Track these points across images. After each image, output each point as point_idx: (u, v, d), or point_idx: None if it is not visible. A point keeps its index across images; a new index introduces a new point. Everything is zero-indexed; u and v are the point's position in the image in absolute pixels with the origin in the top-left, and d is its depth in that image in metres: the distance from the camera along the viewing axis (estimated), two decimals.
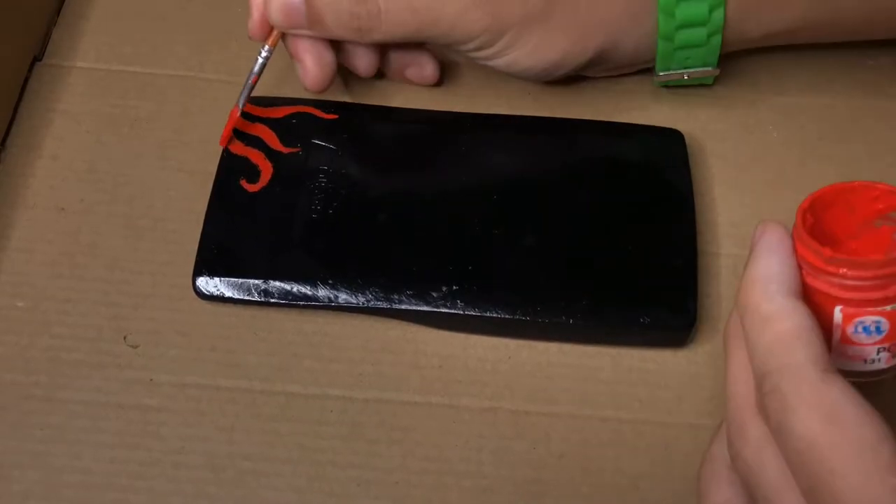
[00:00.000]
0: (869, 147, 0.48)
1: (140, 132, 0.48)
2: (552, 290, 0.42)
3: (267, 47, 0.44)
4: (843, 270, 0.31)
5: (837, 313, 0.32)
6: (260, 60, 0.44)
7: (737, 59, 0.50)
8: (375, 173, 0.45)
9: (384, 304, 0.41)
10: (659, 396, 0.42)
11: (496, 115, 0.47)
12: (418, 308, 0.41)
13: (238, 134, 0.46)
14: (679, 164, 0.45)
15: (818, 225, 0.33)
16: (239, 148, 0.45)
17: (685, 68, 0.46)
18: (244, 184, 0.44)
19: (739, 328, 0.33)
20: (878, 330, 0.32)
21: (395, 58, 0.47)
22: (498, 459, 0.40)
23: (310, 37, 0.44)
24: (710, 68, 0.46)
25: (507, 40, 0.43)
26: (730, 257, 0.45)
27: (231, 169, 0.45)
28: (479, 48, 0.44)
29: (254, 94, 0.47)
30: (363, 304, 0.42)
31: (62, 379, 0.41)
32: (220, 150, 0.45)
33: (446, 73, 0.49)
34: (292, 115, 0.46)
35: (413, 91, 0.49)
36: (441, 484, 0.40)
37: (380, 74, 0.48)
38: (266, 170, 0.45)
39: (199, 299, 0.42)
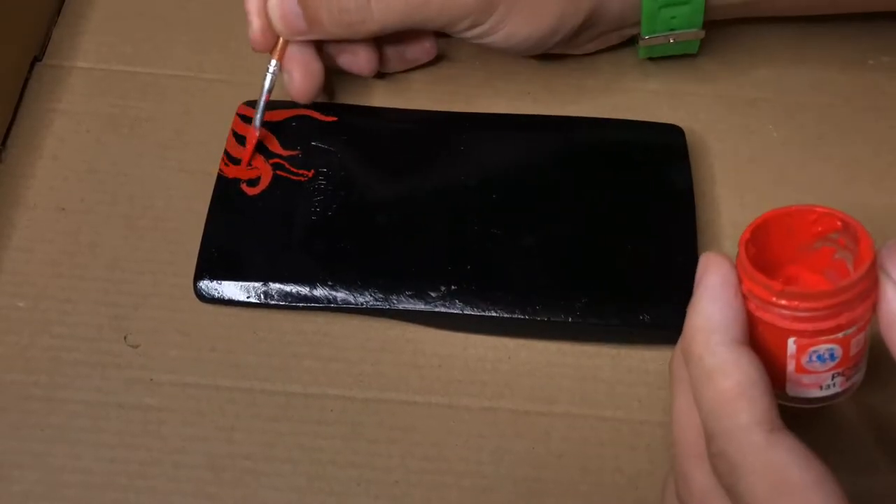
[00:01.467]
0: (869, 147, 0.48)
1: (140, 132, 0.48)
2: (551, 290, 0.42)
3: (274, 62, 0.44)
4: (794, 303, 0.31)
5: (791, 345, 0.31)
6: (269, 76, 0.44)
7: (738, 59, 0.50)
8: (374, 174, 0.45)
9: (383, 305, 0.42)
10: (658, 396, 0.42)
11: (495, 114, 0.47)
12: (417, 308, 0.42)
13: (237, 138, 0.46)
14: (680, 161, 0.45)
15: (758, 252, 0.33)
16: (238, 151, 0.45)
17: (671, 30, 0.46)
18: (244, 187, 0.44)
19: (684, 370, 0.32)
20: (831, 357, 0.31)
21: (392, 48, 0.47)
22: (497, 459, 0.40)
23: (305, 43, 0.44)
24: (695, 30, 0.46)
25: (501, 12, 0.43)
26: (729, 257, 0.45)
27: (231, 172, 0.45)
28: (473, 25, 0.44)
29: (253, 95, 0.48)
30: (362, 304, 0.42)
31: (62, 379, 0.42)
32: (220, 150, 0.46)
33: (444, 74, 0.50)
34: (292, 118, 0.46)
35: (412, 92, 0.49)
36: (440, 483, 0.40)
37: (380, 75, 0.49)
38: (266, 173, 0.45)
39: (199, 301, 0.43)
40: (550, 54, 0.48)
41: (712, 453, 0.30)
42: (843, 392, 0.33)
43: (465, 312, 0.41)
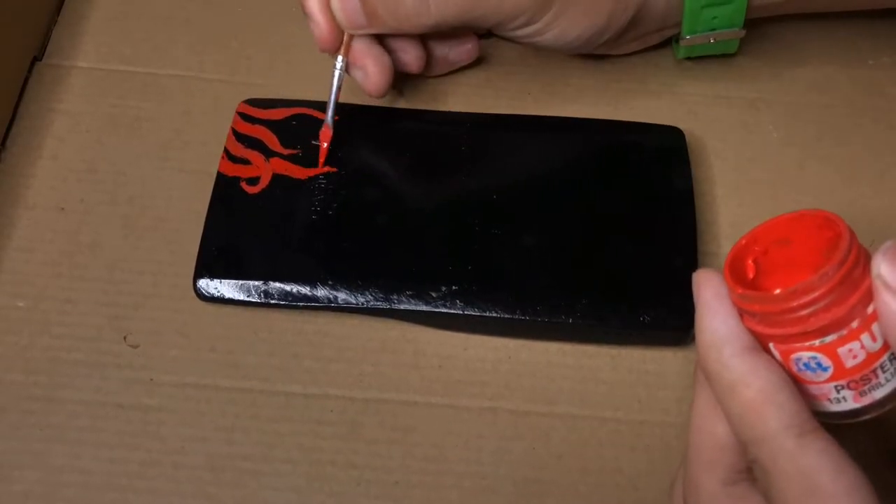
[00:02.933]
0: (869, 147, 0.48)
1: (140, 132, 0.48)
2: (552, 290, 0.42)
3: (340, 58, 0.44)
4: (755, 307, 0.30)
5: (773, 350, 0.31)
6: (337, 73, 0.44)
7: (738, 60, 0.50)
8: (375, 174, 0.45)
9: (384, 305, 0.42)
10: (658, 396, 0.42)
11: (496, 114, 0.47)
12: (418, 308, 0.41)
13: (238, 136, 0.46)
14: (680, 162, 0.45)
15: (775, 262, 0.32)
16: (239, 150, 0.45)
17: (711, 29, 0.46)
18: (244, 186, 0.44)
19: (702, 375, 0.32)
20: (820, 367, 0.30)
21: (438, 48, 0.47)
22: (497, 459, 0.40)
23: (371, 38, 0.44)
24: (735, 29, 0.46)
25: (555, 11, 0.43)
26: None
27: (231, 171, 0.45)
28: (527, 24, 0.44)
29: (253, 95, 0.48)
30: (363, 304, 0.42)
31: (62, 379, 0.41)
32: (220, 150, 0.45)
33: (447, 74, 0.50)
34: (292, 117, 0.46)
35: (413, 92, 0.49)
36: (441, 484, 0.40)
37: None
38: (266, 172, 0.45)
39: (199, 300, 0.43)
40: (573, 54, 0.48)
41: (750, 461, 0.30)
42: (864, 409, 0.31)
43: (466, 313, 0.41)
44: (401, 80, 0.49)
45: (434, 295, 0.42)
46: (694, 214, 0.44)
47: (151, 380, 0.42)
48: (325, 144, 0.45)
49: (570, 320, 0.41)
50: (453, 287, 0.42)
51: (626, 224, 0.43)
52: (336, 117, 0.46)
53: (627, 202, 0.44)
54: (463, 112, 0.48)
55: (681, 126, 0.46)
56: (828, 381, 0.31)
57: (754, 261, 0.32)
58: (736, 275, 0.31)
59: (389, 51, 0.46)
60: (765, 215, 0.45)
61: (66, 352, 0.42)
